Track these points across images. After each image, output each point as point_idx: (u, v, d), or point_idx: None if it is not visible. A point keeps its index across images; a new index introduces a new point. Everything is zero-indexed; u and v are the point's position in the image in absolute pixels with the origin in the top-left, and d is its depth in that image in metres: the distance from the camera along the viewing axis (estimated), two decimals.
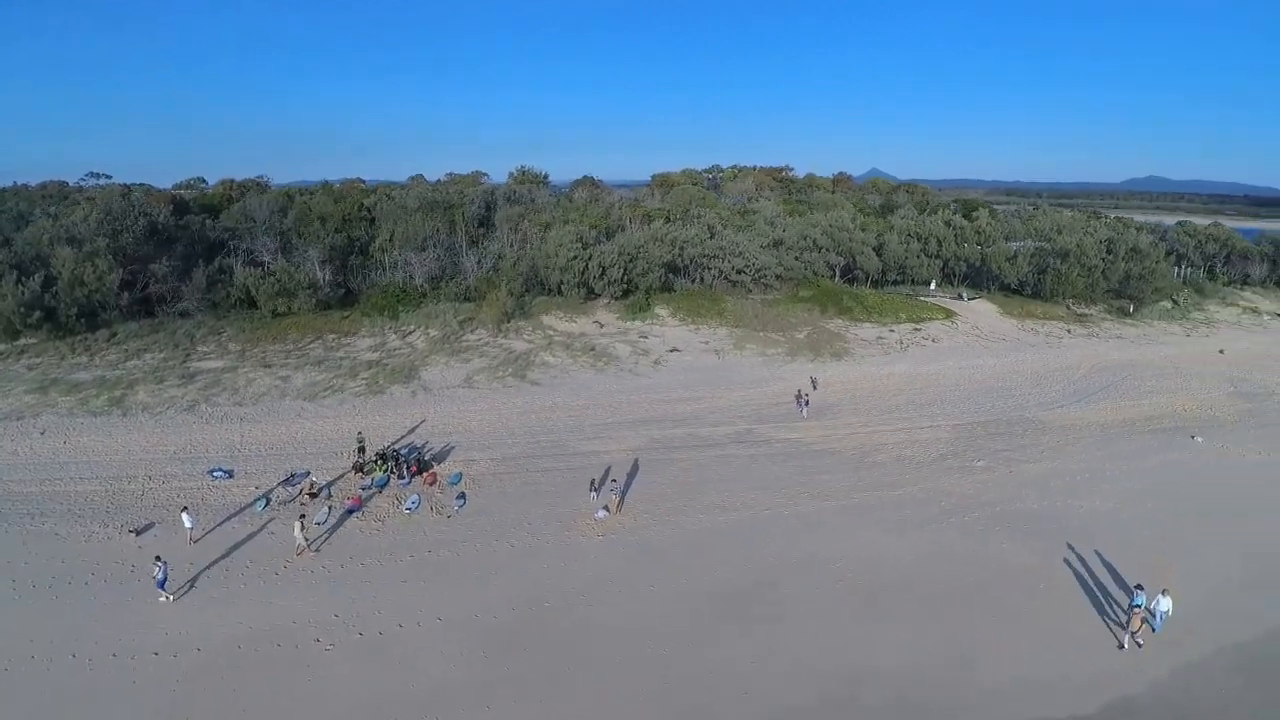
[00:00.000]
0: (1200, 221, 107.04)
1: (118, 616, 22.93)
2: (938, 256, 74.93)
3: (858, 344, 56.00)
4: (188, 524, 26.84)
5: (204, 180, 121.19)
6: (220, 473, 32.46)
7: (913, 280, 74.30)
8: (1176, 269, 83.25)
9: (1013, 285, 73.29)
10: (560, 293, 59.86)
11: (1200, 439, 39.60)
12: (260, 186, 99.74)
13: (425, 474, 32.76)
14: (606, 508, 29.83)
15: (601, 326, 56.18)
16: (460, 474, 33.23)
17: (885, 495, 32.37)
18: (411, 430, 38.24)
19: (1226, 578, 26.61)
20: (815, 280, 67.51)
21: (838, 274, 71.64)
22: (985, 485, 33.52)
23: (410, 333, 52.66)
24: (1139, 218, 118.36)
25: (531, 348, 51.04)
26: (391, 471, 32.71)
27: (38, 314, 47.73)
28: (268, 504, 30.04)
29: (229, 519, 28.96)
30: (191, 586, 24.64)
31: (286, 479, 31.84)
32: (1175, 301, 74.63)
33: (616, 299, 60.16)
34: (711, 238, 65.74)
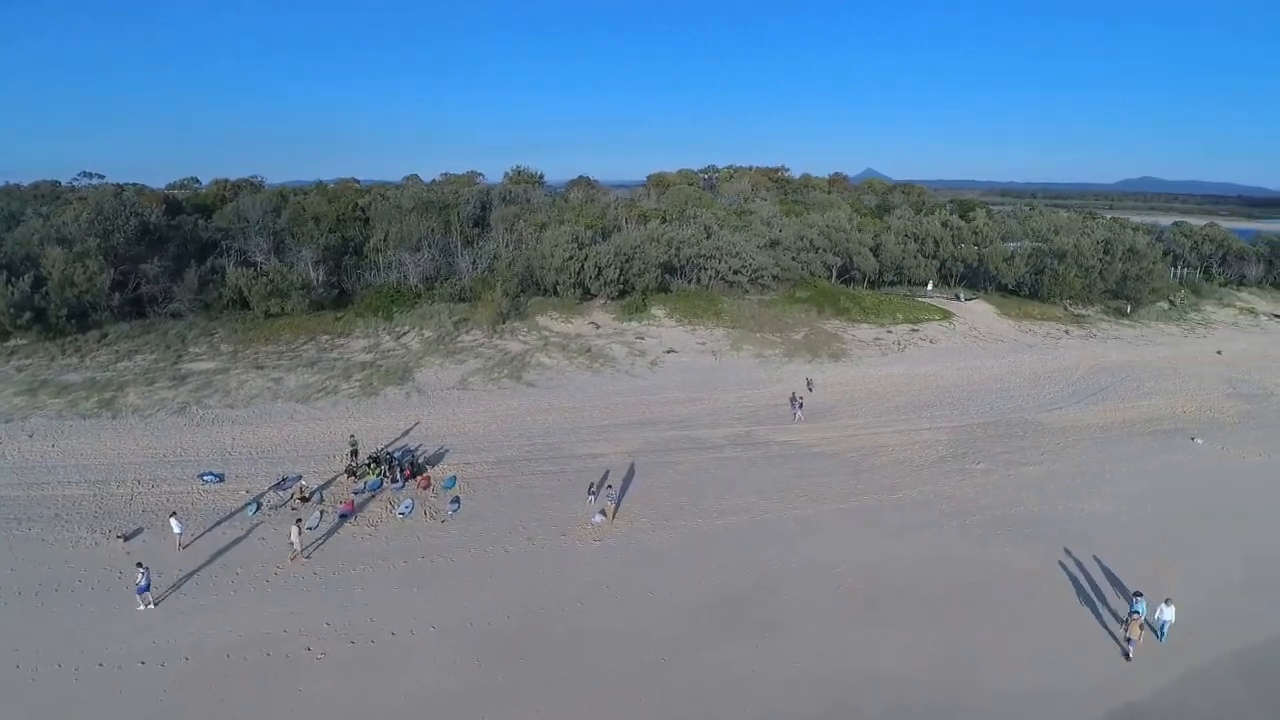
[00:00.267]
0: (1195, 222, 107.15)
1: (105, 624, 22.47)
2: (935, 257, 74.80)
3: (855, 345, 55.73)
4: (176, 530, 26.37)
5: (197, 180, 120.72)
6: (211, 477, 32.00)
7: (910, 281, 74.15)
8: (1173, 270, 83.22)
9: (1010, 286, 73.19)
10: (556, 293, 59.48)
11: (1200, 440, 39.41)
12: (254, 186, 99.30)
13: (419, 478, 32.31)
14: (603, 512, 29.43)
15: (597, 327, 55.81)
16: (455, 478, 32.82)
17: (885, 498, 32.07)
18: (405, 433, 37.81)
19: (1227, 581, 26.40)
20: (812, 281, 67.27)
21: (834, 274, 71.43)
22: (985, 488, 33.25)
23: (404, 334, 52.22)
24: (1134, 218, 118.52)
25: (527, 349, 50.65)
26: (385, 475, 32.27)
27: (27, 315, 47.21)
28: (259, 509, 29.58)
29: (219, 524, 28.50)
30: (175, 592, 24.18)
31: (278, 483, 31.39)
32: (1172, 302, 74.59)
33: (612, 299, 59.80)
34: (708, 238, 65.45)
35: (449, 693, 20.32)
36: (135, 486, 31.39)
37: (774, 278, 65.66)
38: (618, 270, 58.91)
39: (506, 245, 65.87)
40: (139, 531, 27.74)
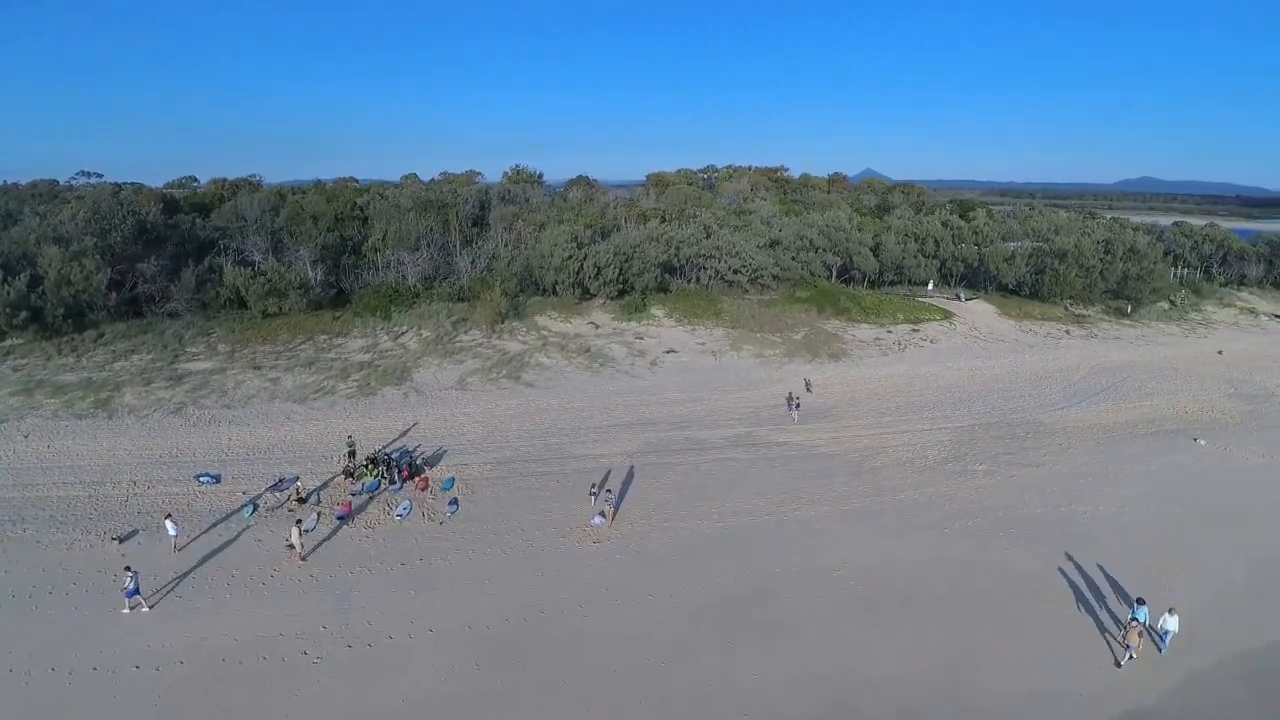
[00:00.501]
0: (1195, 222, 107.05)
1: (99, 628, 22.23)
2: (935, 257, 74.59)
3: (855, 345, 55.52)
4: (172, 531, 26.13)
5: (195, 179, 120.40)
6: (207, 478, 31.75)
7: (910, 281, 73.94)
8: (1173, 270, 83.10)
9: (1010, 286, 72.98)
10: (555, 293, 59.24)
11: (1202, 441, 39.24)
12: (252, 185, 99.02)
13: (417, 479, 32.09)
14: (603, 513, 29.21)
15: (597, 327, 55.58)
16: (453, 479, 32.58)
17: (886, 500, 31.87)
18: (403, 434, 37.58)
19: (1230, 582, 26.29)
20: (812, 281, 67.05)
21: (834, 274, 71.21)
22: (987, 489, 33.06)
23: (403, 333, 51.97)
24: (1133, 218, 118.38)
25: (526, 349, 50.41)
26: (382, 476, 32.04)
27: (24, 314, 46.91)
28: (255, 510, 29.33)
29: (215, 525, 28.26)
30: (170, 595, 23.93)
31: (275, 484, 31.13)
32: (1173, 302, 74.43)
33: (612, 299, 59.56)
34: (708, 237, 65.23)
35: (447, 696, 20.12)
36: (131, 488, 31.14)
37: (774, 277, 65.44)
38: (617, 270, 58.67)
39: (505, 245, 65.63)
40: (134, 533, 27.50)
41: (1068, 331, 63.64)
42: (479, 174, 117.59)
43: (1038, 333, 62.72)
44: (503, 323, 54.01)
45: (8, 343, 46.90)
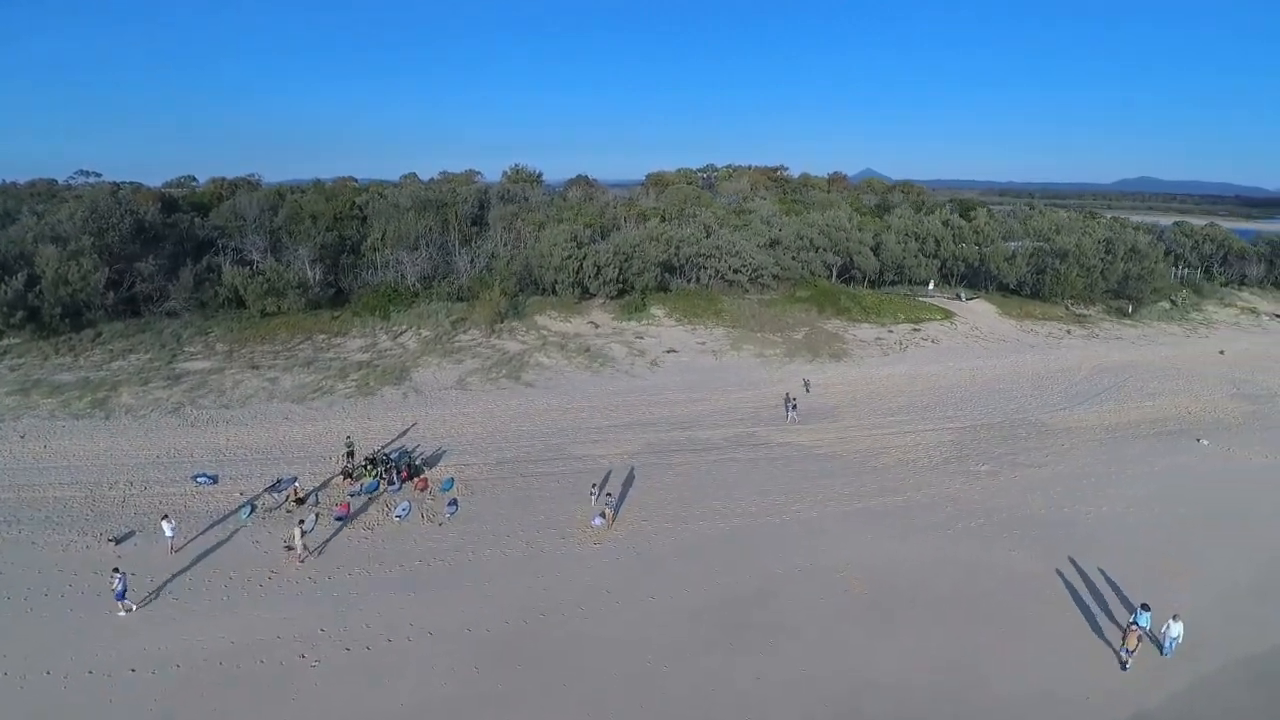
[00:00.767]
0: (1194, 222, 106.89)
1: (95, 630, 22.01)
2: (935, 256, 74.39)
3: (856, 345, 55.33)
4: (168, 533, 25.90)
5: (194, 178, 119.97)
6: (204, 478, 31.53)
7: (910, 280, 73.74)
8: (1174, 269, 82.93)
9: (1011, 285, 72.79)
10: (554, 292, 59.02)
11: (1205, 442, 39.06)
12: (251, 185, 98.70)
13: (416, 479, 31.88)
14: (603, 514, 28.98)
15: (597, 327, 55.37)
16: (452, 479, 32.36)
17: (888, 501, 31.66)
18: (402, 434, 37.36)
19: (1234, 584, 26.13)
20: (812, 280, 66.84)
21: (835, 274, 71.01)
22: (990, 490, 32.86)
23: (402, 333, 51.75)
24: (1132, 218, 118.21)
25: (525, 348, 50.20)
26: (381, 477, 31.81)
27: (20, 314, 46.64)
28: (253, 511, 29.11)
29: (212, 527, 28.04)
30: (167, 597, 23.71)
31: (273, 485, 30.87)
32: (1174, 302, 74.28)
33: (612, 299, 59.34)
34: (708, 237, 65.01)
35: (446, 699, 19.91)
36: (128, 488, 30.91)
37: (774, 277, 65.24)
38: (617, 269, 58.45)
39: (505, 244, 65.41)
40: (130, 534, 27.27)
41: (1069, 331, 63.46)
42: (478, 173, 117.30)
43: (1039, 332, 62.54)
44: (502, 322, 53.80)
45: (4, 342, 46.66)
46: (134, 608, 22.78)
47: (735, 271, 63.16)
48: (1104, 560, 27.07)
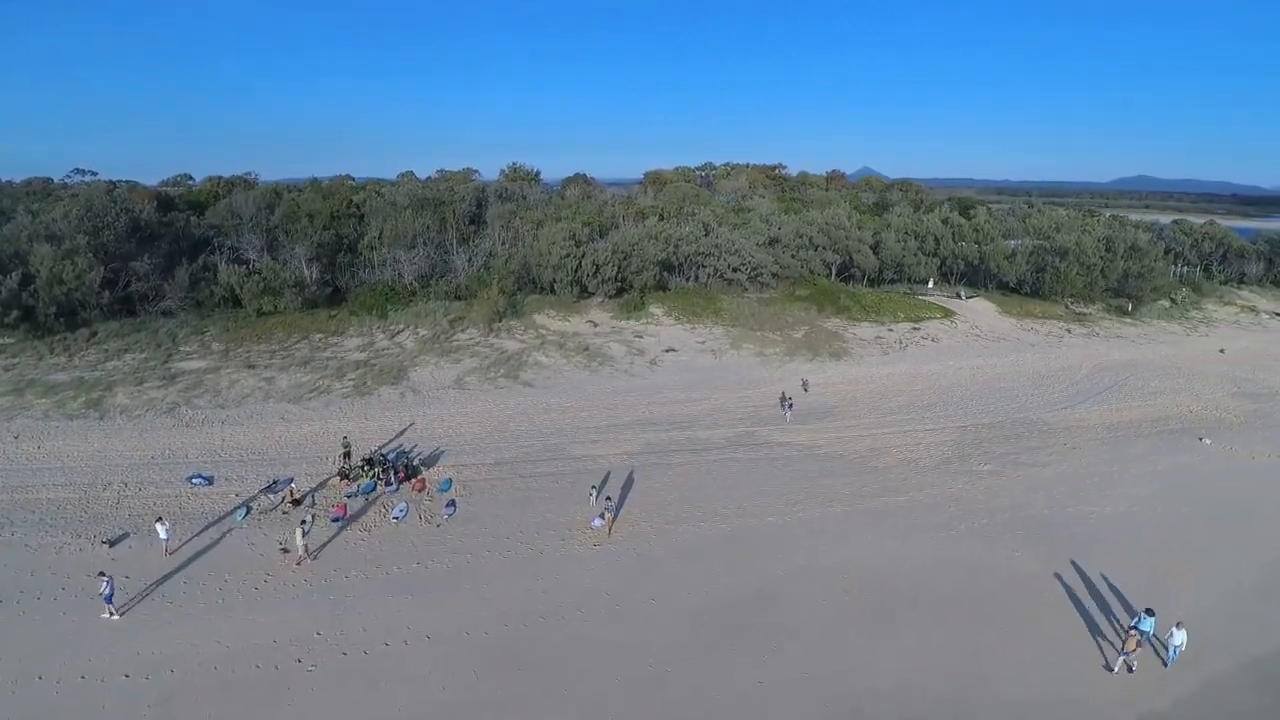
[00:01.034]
0: (1193, 220, 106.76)
1: (88, 634, 21.69)
2: (935, 255, 74.16)
3: (856, 343, 55.09)
4: (163, 535, 25.58)
5: (190, 177, 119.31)
6: (200, 479, 31.20)
7: (910, 279, 73.52)
8: (1173, 268, 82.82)
9: (1010, 284, 72.58)
10: (553, 291, 58.71)
11: (1208, 441, 38.88)
12: (247, 183, 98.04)
13: (414, 480, 31.57)
14: (603, 515, 28.68)
15: (595, 326, 55.07)
16: (450, 480, 32.05)
17: (890, 501, 31.42)
18: (400, 434, 37.04)
19: (1239, 584, 25.98)
20: (812, 279, 66.58)
21: (834, 272, 70.75)
22: (993, 490, 32.63)
23: (399, 332, 51.42)
24: (1130, 217, 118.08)
25: (524, 347, 49.89)
26: (378, 478, 31.50)
27: (15, 313, 46.22)
28: (249, 513, 28.77)
29: (207, 528, 27.72)
30: (160, 600, 23.39)
31: (268, 486, 30.55)
32: (1173, 300, 74.12)
33: (610, 297, 59.04)
34: (706, 235, 64.69)
35: (444, 705, 19.64)
36: (122, 489, 30.58)
37: (773, 275, 64.96)
38: (615, 268, 58.15)
39: (503, 243, 65.07)
40: (124, 536, 26.93)
41: (1069, 330, 63.26)
42: (476, 172, 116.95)
43: (1039, 331, 62.33)
44: (500, 321, 53.49)
45: None
46: (115, 615, 22.35)
47: (734, 270, 62.89)
48: (1108, 560, 26.85)
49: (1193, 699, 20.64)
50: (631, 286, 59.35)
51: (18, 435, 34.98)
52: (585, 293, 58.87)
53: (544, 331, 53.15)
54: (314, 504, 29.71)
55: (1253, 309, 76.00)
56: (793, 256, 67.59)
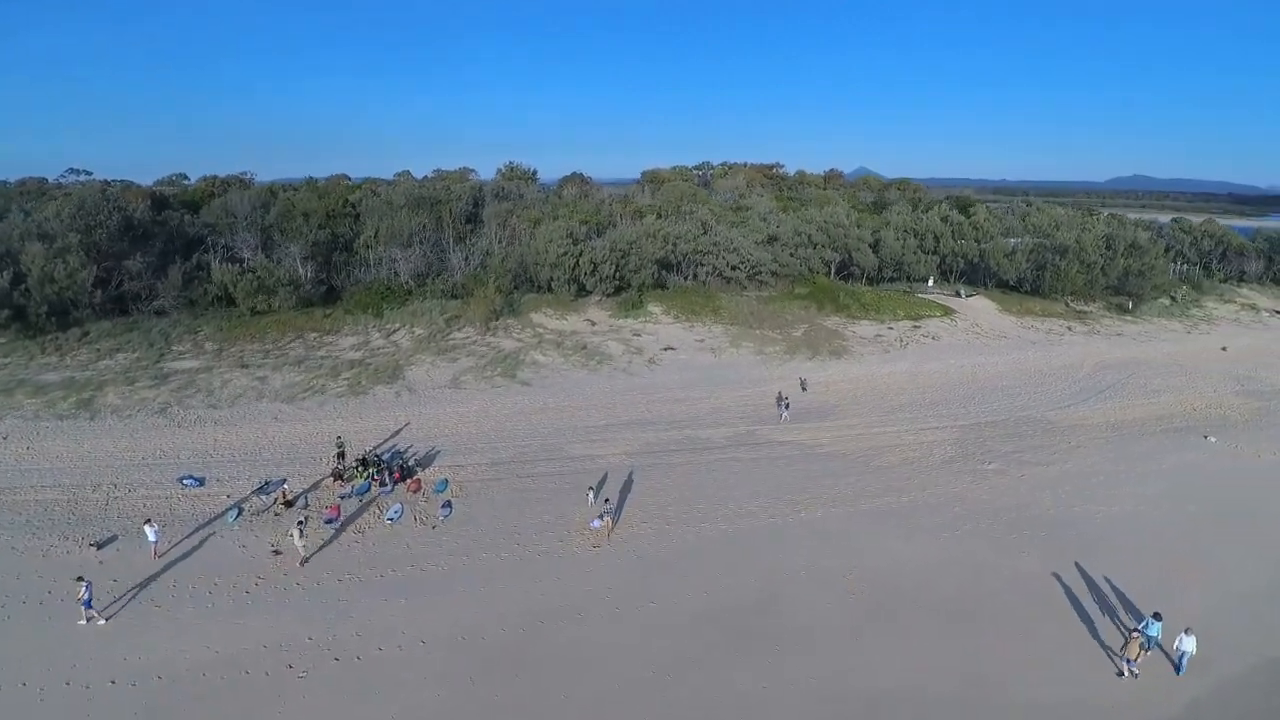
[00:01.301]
0: (1191, 218, 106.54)
1: (74, 640, 21.16)
2: (935, 253, 73.79)
3: (856, 342, 54.66)
4: (151, 537, 25.02)
5: (186, 176, 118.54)
6: (191, 480, 30.63)
7: (909, 277, 73.12)
8: (1173, 266, 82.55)
9: (1010, 282, 72.22)
10: (550, 290, 58.20)
11: (1213, 439, 38.49)
12: (243, 182, 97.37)
13: (409, 481, 31.05)
14: (602, 517, 28.16)
15: (593, 324, 54.57)
16: (446, 481, 31.51)
17: (894, 501, 30.96)
18: (395, 434, 36.51)
19: (1248, 584, 25.60)
20: (811, 277, 66.15)
21: (833, 271, 70.33)
22: (998, 490, 32.18)
23: (395, 331, 50.87)
24: (1128, 215, 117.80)
25: (521, 346, 49.37)
26: (373, 478, 30.96)
27: (6, 312, 45.72)
28: (240, 514, 28.24)
29: (198, 530, 27.17)
30: (148, 605, 22.83)
31: (261, 487, 30.03)
32: (1174, 298, 73.83)
33: (608, 296, 58.54)
34: (705, 234, 64.21)
35: (440, 710, 19.15)
36: (111, 491, 30.00)
37: (772, 274, 64.52)
38: (613, 266, 57.63)
39: (499, 241, 64.51)
40: (113, 539, 26.37)
41: (1069, 328, 62.90)
42: (473, 171, 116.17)
43: (1039, 329, 61.96)
44: (497, 320, 52.97)
45: None
46: (99, 619, 21.83)
47: (733, 268, 62.45)
48: (1115, 560, 26.42)
49: (1202, 702, 20.21)
50: (629, 285, 58.85)
51: (6, 436, 34.41)
52: (583, 291, 58.36)
53: (541, 330, 52.64)
54: (307, 505, 29.16)
55: (1253, 307, 75.75)
56: (791, 255, 67.14)
